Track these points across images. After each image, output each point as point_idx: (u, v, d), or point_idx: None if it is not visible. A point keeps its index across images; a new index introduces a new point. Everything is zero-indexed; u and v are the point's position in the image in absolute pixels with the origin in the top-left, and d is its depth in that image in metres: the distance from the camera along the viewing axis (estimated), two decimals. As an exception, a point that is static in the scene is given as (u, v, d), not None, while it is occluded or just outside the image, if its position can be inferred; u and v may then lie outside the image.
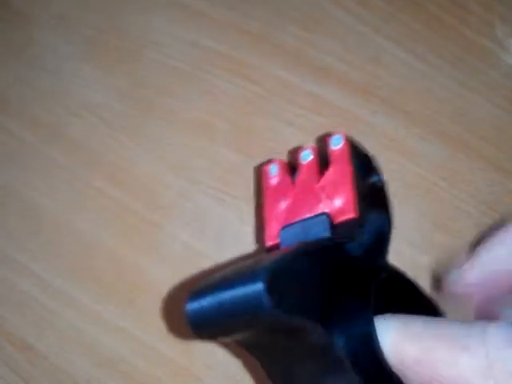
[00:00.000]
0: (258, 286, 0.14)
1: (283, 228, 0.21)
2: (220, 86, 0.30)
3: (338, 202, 0.20)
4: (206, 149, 0.30)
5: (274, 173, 0.23)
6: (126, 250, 0.29)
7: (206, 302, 0.16)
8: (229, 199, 0.29)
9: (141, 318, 0.28)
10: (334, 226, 0.20)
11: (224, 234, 0.28)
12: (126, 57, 0.31)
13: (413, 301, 0.20)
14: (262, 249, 0.22)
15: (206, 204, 0.29)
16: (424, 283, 0.27)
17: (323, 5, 0.31)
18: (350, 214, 0.20)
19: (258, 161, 0.29)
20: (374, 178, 0.22)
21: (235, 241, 0.28)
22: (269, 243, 0.22)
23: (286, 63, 0.30)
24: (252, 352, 0.19)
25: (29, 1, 0.33)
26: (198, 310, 0.16)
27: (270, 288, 0.14)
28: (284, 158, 0.29)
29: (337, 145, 0.21)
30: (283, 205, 0.22)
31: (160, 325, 0.27)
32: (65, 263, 0.29)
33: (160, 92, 0.30)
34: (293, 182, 0.22)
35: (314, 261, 0.17)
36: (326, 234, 0.20)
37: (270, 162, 0.24)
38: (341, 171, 0.21)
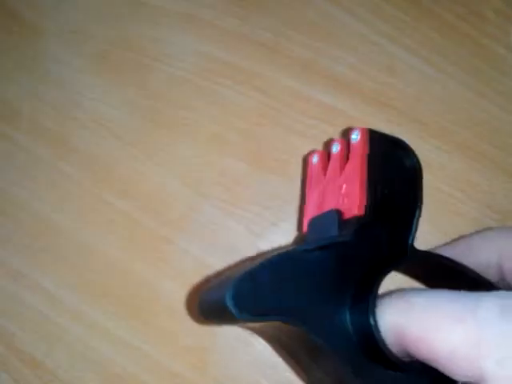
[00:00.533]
0: (225, 297, 0.17)
1: (310, 219, 0.22)
2: (231, 97, 0.30)
3: (348, 198, 0.21)
4: (217, 161, 0.29)
5: (315, 162, 0.24)
6: (136, 264, 0.28)
7: (207, 299, 0.20)
8: (239, 212, 0.28)
9: (151, 333, 0.27)
10: (343, 222, 0.20)
11: (235, 247, 0.28)
12: (137, 69, 0.31)
13: (460, 279, 0.21)
14: (302, 236, 0.23)
15: (217, 217, 0.28)
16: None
17: (335, 14, 0.30)
18: (355, 212, 0.20)
19: (269, 173, 0.29)
20: (406, 162, 0.22)
21: (246, 253, 0.28)
22: (304, 231, 0.23)
23: (298, 74, 0.30)
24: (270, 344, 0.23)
25: (40, 15, 0.33)
26: (202, 304, 0.21)
27: (235, 298, 0.17)
28: (297, 170, 0.29)
29: (355, 139, 0.21)
30: (316, 195, 0.23)
31: (171, 340, 0.27)
32: (74, 278, 0.28)
33: (171, 104, 0.30)
34: (325, 173, 0.23)
35: (294, 265, 0.19)
36: (334, 230, 0.20)
37: (314, 151, 0.24)
38: (353, 167, 0.21)
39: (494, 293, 0.16)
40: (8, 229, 0.29)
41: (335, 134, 0.29)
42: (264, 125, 0.29)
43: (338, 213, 0.20)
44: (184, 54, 0.31)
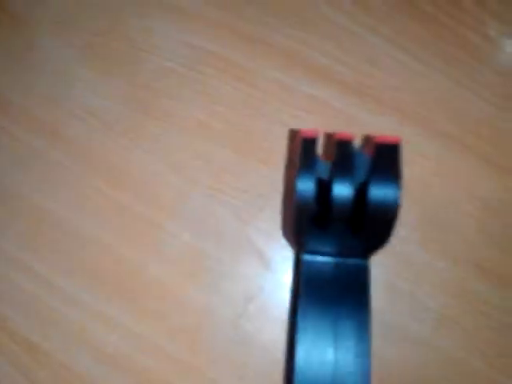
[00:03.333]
0: None
1: None
2: (216, 88, 0.31)
3: None
4: (204, 149, 0.30)
5: None
6: (127, 249, 0.29)
7: None
8: (226, 198, 0.29)
9: (143, 315, 0.28)
10: None
11: (222, 232, 0.29)
12: (125, 60, 0.32)
13: None
14: None
15: (205, 203, 0.29)
16: (422, 281, 0.28)
17: (318, 5, 0.31)
18: None
19: (254, 161, 0.29)
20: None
21: (233, 238, 0.29)
22: None
23: (282, 64, 0.31)
24: None
25: (29, 6, 0.33)
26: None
27: None
28: (281, 158, 0.30)
29: None
30: None
31: (163, 322, 0.28)
32: (68, 263, 0.29)
33: (158, 94, 0.31)
34: None
35: None
36: None
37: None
38: None
39: None
40: (4, 217, 0.30)
41: (317, 123, 0.30)
42: (249, 114, 0.30)
43: None
44: (171, 45, 0.31)
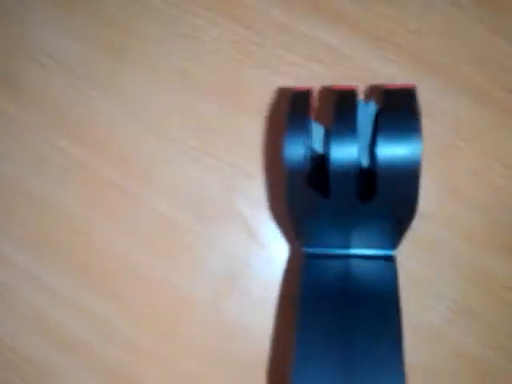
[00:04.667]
0: None
1: None
2: (203, 29, 0.26)
3: None
4: (186, 103, 0.26)
5: None
6: (96, 221, 0.26)
7: None
8: (211, 161, 0.25)
9: (110, 299, 0.25)
10: None
11: (205, 202, 0.25)
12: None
13: None
14: None
15: (186, 167, 0.25)
16: (441, 259, 0.24)
17: None
18: None
19: (246, 118, 0.25)
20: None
21: (217, 209, 0.25)
22: None
23: (282, 2, 0.26)
24: None
25: None
26: None
27: None
28: (278, 113, 0.25)
29: None
30: None
31: (133, 306, 0.25)
32: (23, 234, 0.26)
33: (132, 35, 0.27)
34: None
35: None
36: None
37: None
38: None
39: None
40: None
41: (322, 72, 0.25)
42: (242, 61, 0.26)
43: None
44: (150, -23, 0.27)
